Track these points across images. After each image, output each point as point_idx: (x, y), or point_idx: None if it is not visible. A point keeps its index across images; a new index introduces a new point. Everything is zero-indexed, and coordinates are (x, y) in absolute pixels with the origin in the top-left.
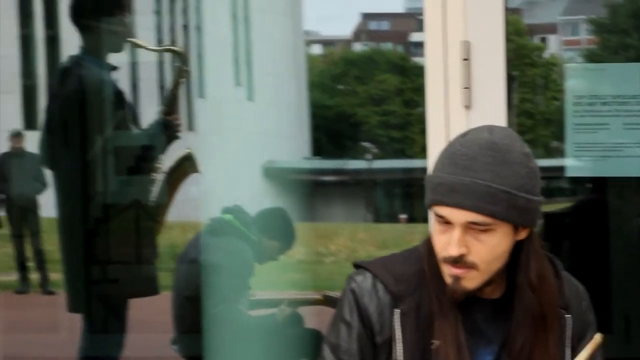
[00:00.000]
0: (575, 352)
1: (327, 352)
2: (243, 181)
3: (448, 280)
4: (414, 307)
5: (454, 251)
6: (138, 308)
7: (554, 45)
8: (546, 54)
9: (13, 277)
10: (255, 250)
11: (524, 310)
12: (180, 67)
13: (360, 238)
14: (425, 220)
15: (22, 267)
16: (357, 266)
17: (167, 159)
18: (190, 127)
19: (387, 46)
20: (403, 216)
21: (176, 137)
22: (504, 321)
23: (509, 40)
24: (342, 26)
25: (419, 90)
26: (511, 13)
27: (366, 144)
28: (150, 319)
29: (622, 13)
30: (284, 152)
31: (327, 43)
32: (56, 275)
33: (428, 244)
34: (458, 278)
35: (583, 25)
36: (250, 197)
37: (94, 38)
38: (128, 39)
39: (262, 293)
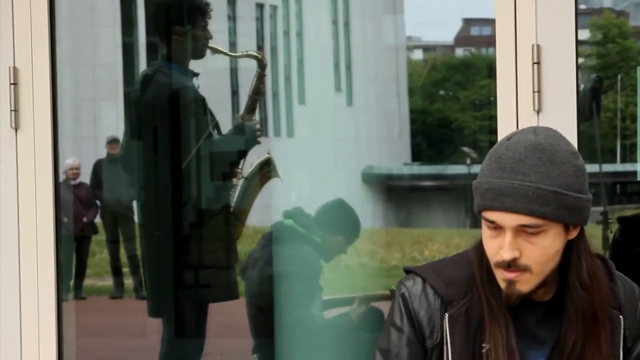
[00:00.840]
0: (630, 353)
1: (378, 357)
2: (342, 187)
3: (502, 284)
4: (464, 311)
5: (506, 255)
6: (220, 313)
7: None
8: None
9: (109, 282)
10: (320, 249)
11: (575, 310)
12: (260, 73)
13: (455, 243)
14: None
15: (117, 272)
16: (408, 271)
17: (248, 164)
18: (289, 133)
19: (489, 51)
20: None
21: (256, 142)
22: (556, 322)
23: (614, 42)
24: (444, 32)
25: None
26: (617, 15)
27: (466, 149)
28: (232, 323)
29: None
30: (383, 158)
31: (428, 48)
32: None
33: (478, 249)
34: (512, 282)
35: None
36: (350, 203)
37: (176, 45)
38: (209, 46)
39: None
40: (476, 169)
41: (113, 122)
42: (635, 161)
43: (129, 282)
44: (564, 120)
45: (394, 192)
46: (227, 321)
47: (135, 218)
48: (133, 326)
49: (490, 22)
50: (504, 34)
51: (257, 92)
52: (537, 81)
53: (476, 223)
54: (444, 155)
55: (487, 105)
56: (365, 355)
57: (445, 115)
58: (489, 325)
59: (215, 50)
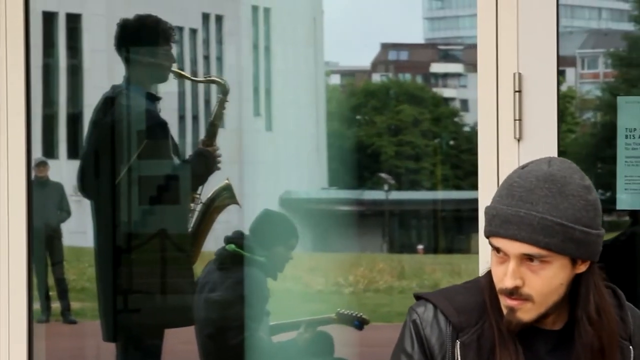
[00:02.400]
0: None
1: None
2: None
3: (505, 310)
4: (475, 338)
5: (509, 283)
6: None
7: (571, 78)
8: (564, 87)
9: (36, 305)
10: (266, 268)
11: (583, 344)
12: (222, 99)
13: (379, 268)
14: (444, 251)
15: (45, 296)
16: (418, 297)
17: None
18: None
19: (406, 77)
20: (420, 247)
21: (216, 168)
22: (567, 352)
23: None
24: (362, 56)
25: (437, 120)
26: None
27: (383, 175)
28: (186, 347)
29: None
30: (302, 182)
31: (346, 73)
32: (77, 305)
33: (489, 275)
34: (513, 309)
35: (601, 58)
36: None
37: (139, 68)
38: (172, 70)
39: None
40: (394, 195)
41: (35, 142)
42: None
43: (55, 305)
44: (544, 149)
45: (312, 216)
46: (183, 348)
47: (65, 241)
48: (62, 350)
49: (408, 47)
50: (486, 61)
51: (219, 118)
52: (518, 109)
53: (393, 248)
54: (362, 180)
55: (404, 131)
56: None
57: (361, 139)
58: (500, 352)
59: (179, 75)
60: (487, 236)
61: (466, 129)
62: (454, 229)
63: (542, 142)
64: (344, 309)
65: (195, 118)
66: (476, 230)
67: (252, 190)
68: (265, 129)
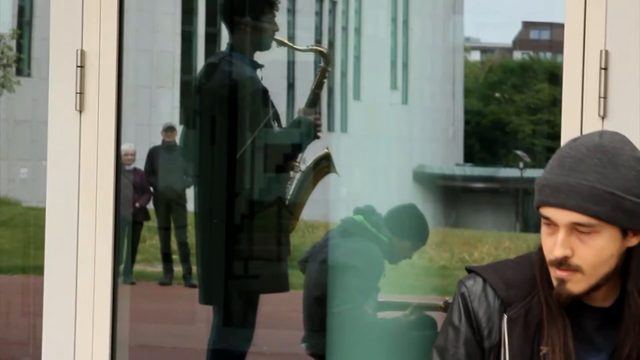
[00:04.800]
0: None
1: (434, 355)
2: (393, 185)
3: (555, 283)
4: (522, 313)
5: (558, 252)
6: (270, 304)
7: None
8: None
9: (158, 268)
10: (386, 251)
11: (632, 318)
12: (324, 68)
13: (505, 246)
14: None
15: (167, 259)
16: (469, 270)
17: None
18: (343, 128)
19: (547, 56)
20: None
21: (316, 137)
22: (615, 330)
23: None
24: (503, 34)
25: None
26: None
27: (520, 153)
28: (282, 315)
29: None
30: (436, 158)
31: (486, 50)
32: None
33: (541, 250)
34: (563, 281)
35: None
36: (399, 200)
37: (243, 36)
38: (275, 38)
39: (397, 296)
40: (529, 172)
41: (168, 109)
42: None
43: (178, 269)
44: (628, 127)
45: (444, 192)
46: (276, 313)
47: (189, 206)
48: (181, 313)
49: (550, 26)
50: (573, 38)
51: (320, 87)
52: (603, 87)
53: (527, 227)
54: (497, 157)
55: (543, 110)
56: (414, 356)
57: (499, 117)
58: (547, 328)
59: (281, 43)
60: (537, 206)
61: None
62: None
63: (626, 120)
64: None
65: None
66: None
67: (387, 164)
68: (402, 102)
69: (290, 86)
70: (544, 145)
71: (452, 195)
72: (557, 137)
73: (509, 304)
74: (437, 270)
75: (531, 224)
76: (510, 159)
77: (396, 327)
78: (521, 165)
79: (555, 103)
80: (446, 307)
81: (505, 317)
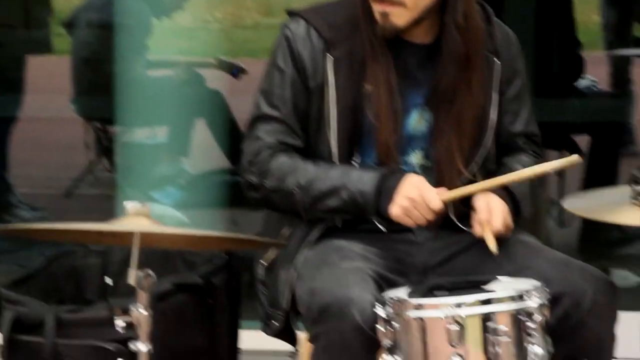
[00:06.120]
0: (502, 96)
1: (260, 99)
2: None
3: (378, 18)
4: (346, 53)
5: None
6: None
7: None
8: None
9: None
10: (153, 3)
11: (449, 51)
12: None
13: (247, 6)
14: None
15: None
16: (291, 14)
17: None
18: None
19: None
20: None
21: None
22: (434, 65)
23: None
24: None
25: None
26: None
27: None
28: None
29: None
30: None
31: None
32: None
33: None
34: (386, 14)
35: None
36: None
37: None
38: None
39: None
40: None
41: None
42: None
43: None
44: None
45: None
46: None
47: None
48: None
49: None
50: None
51: None
52: None
53: None
54: None
55: None
56: (186, 114)
57: None
58: (371, 64)
59: None
60: None
61: None
62: None
63: None
64: (214, 46)
65: None
66: None
67: None
68: None
69: None
70: None
71: None
72: None
73: (333, 45)
74: (182, 32)
75: None
76: None
77: (168, 84)
78: None
79: None
80: (220, 64)
81: (330, 57)
